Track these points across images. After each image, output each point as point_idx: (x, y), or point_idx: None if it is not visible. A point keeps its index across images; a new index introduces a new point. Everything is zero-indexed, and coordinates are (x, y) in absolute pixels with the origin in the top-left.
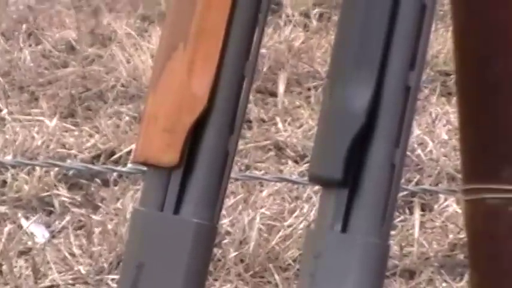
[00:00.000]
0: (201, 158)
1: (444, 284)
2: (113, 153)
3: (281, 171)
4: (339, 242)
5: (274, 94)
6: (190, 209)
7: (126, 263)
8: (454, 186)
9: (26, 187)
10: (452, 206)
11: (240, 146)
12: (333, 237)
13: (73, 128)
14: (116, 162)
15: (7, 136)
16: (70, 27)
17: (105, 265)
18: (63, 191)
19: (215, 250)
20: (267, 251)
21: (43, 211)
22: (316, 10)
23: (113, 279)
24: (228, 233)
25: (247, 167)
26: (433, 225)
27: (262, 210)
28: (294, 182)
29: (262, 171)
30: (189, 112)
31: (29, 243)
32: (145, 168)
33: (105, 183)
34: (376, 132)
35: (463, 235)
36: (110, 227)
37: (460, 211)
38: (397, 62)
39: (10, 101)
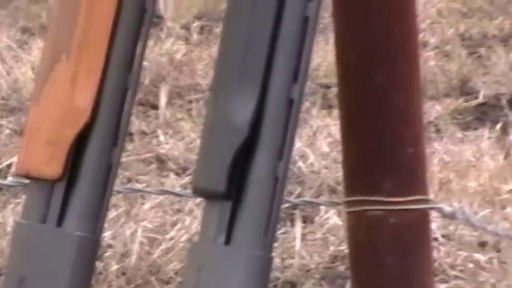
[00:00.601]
0: (84, 170)
1: None
2: None
3: (163, 183)
4: (222, 254)
5: (155, 107)
6: (73, 221)
7: (7, 277)
8: (335, 198)
9: None
10: (333, 218)
11: (122, 159)
12: (216, 249)
13: None
14: None
15: None
16: None
17: None
18: None
19: (97, 263)
20: (148, 263)
21: None
22: (197, 23)
23: None
24: (109, 246)
25: (129, 180)
26: (314, 237)
27: (144, 223)
28: (176, 195)
29: (144, 184)
30: (72, 124)
31: None
32: (27, 181)
33: None
34: (259, 144)
35: (344, 247)
36: None
37: (341, 223)
38: (280, 74)
39: None
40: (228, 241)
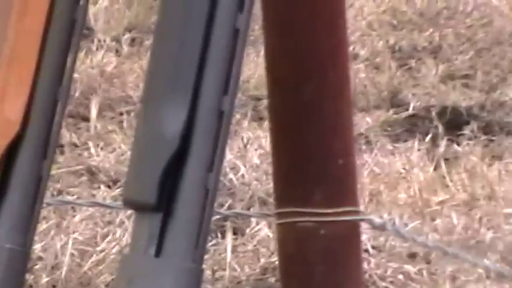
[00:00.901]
0: (14, 182)
1: None
2: None
3: (93, 196)
4: (152, 266)
5: (86, 119)
6: (3, 234)
7: None
8: (265, 210)
9: None
10: (263, 230)
11: (52, 171)
12: (147, 261)
13: None
14: None
15: None
16: None
17: None
18: None
19: (27, 276)
20: (79, 276)
21: None
22: (127, 35)
23: None
24: (40, 258)
25: (60, 192)
26: (245, 249)
27: (75, 235)
28: (106, 207)
29: (75, 196)
30: (2, 136)
31: None
32: None
33: None
34: (190, 156)
35: (274, 258)
36: None
37: (271, 235)
38: (210, 86)
39: None
40: (158, 253)
